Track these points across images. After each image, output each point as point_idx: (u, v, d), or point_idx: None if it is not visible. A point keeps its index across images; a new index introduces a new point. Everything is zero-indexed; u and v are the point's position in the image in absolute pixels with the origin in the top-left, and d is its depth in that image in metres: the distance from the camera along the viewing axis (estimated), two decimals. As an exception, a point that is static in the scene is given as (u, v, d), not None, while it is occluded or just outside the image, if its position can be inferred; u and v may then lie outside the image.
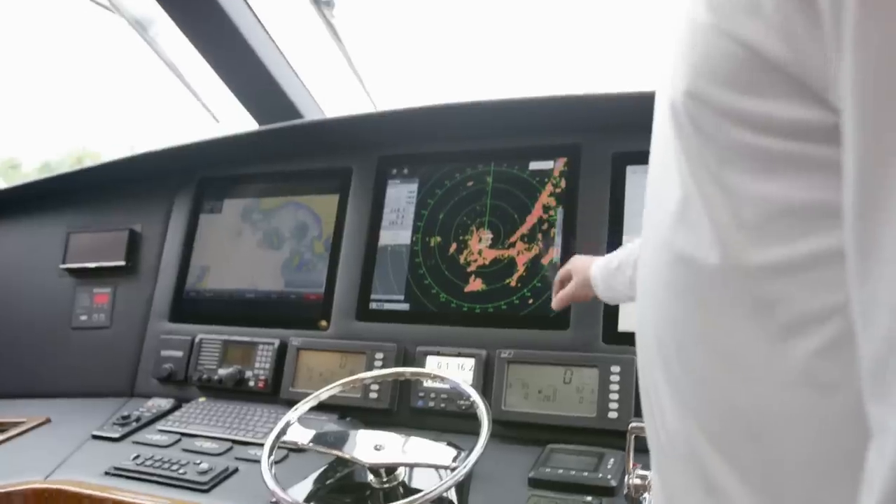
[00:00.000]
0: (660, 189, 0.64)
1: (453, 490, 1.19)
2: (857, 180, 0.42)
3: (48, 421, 1.77)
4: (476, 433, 1.15)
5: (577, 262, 1.32)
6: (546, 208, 1.62)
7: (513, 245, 1.63)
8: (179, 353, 1.85)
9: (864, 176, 0.41)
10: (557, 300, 1.34)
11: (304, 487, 1.29)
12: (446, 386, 1.52)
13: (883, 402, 0.42)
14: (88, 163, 2.16)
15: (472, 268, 1.66)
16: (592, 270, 1.25)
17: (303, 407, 1.29)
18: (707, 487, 0.58)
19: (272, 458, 1.18)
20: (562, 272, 1.35)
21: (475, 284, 1.64)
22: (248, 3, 1.81)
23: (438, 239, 1.71)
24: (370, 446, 1.21)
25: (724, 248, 0.53)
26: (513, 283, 1.60)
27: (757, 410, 0.54)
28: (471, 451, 1.12)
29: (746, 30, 0.47)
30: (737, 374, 0.55)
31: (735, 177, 0.52)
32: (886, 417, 0.42)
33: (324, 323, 1.76)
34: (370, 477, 1.22)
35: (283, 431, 1.24)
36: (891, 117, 0.39)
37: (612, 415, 1.37)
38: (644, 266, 0.67)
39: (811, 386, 0.50)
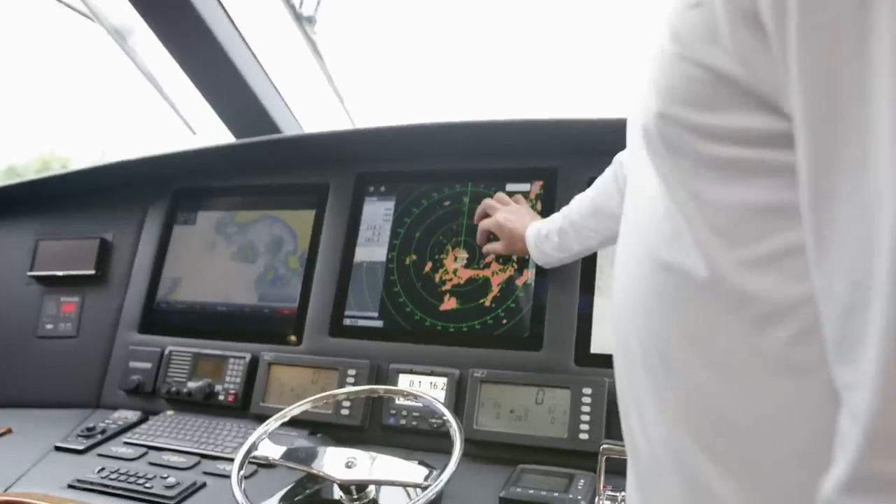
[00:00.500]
0: (638, 204, 0.68)
1: (424, 509, 1.19)
2: (809, 172, 0.48)
3: (9, 431, 1.73)
4: (447, 452, 1.15)
5: (508, 223, 1.50)
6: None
7: (488, 265, 1.65)
8: (148, 365, 1.82)
9: (815, 167, 0.47)
10: (486, 249, 1.58)
11: (273, 503, 1.28)
12: (419, 404, 1.52)
13: (845, 365, 0.47)
14: (56, 167, 2.14)
15: (447, 286, 1.67)
16: (528, 236, 1.43)
17: (275, 422, 1.28)
18: (692, 492, 0.61)
19: (242, 472, 1.17)
20: (488, 224, 1.54)
21: (450, 303, 1.65)
22: (229, 17, 1.81)
23: (414, 257, 1.72)
24: (342, 463, 1.20)
25: (704, 253, 0.58)
26: (487, 303, 1.61)
27: (741, 405, 0.57)
28: (443, 469, 1.12)
29: (707, 56, 0.54)
30: (720, 372, 0.59)
31: (706, 186, 0.58)
32: (850, 375, 0.47)
33: (293, 338, 1.75)
34: (340, 494, 1.22)
35: (254, 446, 1.23)
36: (831, 123, 0.45)
37: (583, 436, 1.38)
38: (624, 277, 0.70)
39: (789, 372, 0.55)
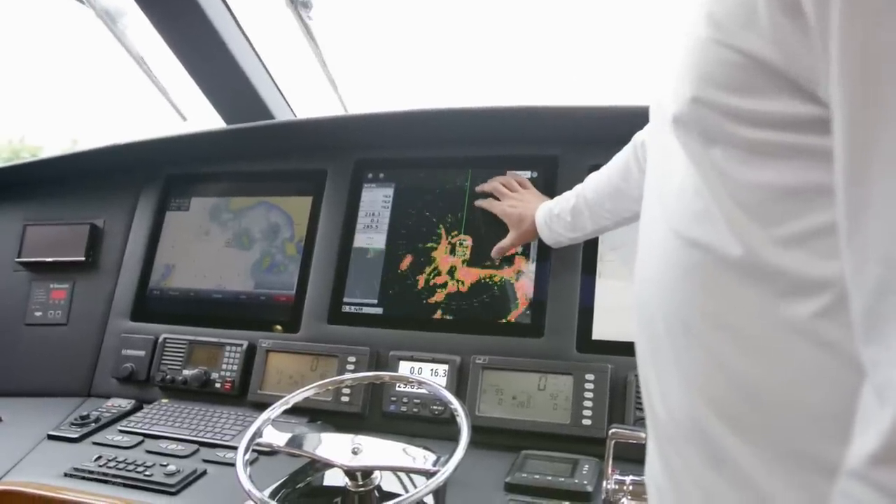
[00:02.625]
0: (664, 185, 0.71)
1: (431, 495, 1.19)
2: (846, 155, 0.48)
3: (-1, 420, 1.70)
4: (448, 439, 1.15)
5: (515, 210, 1.52)
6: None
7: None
8: (141, 353, 1.80)
9: (853, 150, 0.48)
10: (497, 250, 1.55)
11: (276, 490, 1.27)
12: (420, 391, 1.52)
13: (874, 343, 0.48)
14: (26, 156, 2.10)
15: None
16: (538, 216, 1.43)
17: (279, 408, 1.27)
18: (713, 460, 0.63)
19: (247, 457, 1.16)
20: (494, 208, 1.56)
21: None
22: (224, 0, 1.78)
23: (410, 254, 1.70)
24: (347, 449, 1.19)
25: (735, 231, 0.60)
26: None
27: (764, 374, 0.59)
28: (451, 456, 1.12)
29: (744, 40, 0.55)
30: (744, 343, 0.60)
31: (738, 168, 0.59)
32: (878, 355, 0.48)
33: (278, 327, 1.74)
34: (345, 480, 1.21)
35: (258, 432, 1.22)
36: (871, 107, 0.46)
37: (586, 422, 1.39)
38: (650, 254, 0.72)
39: (814, 344, 0.56)
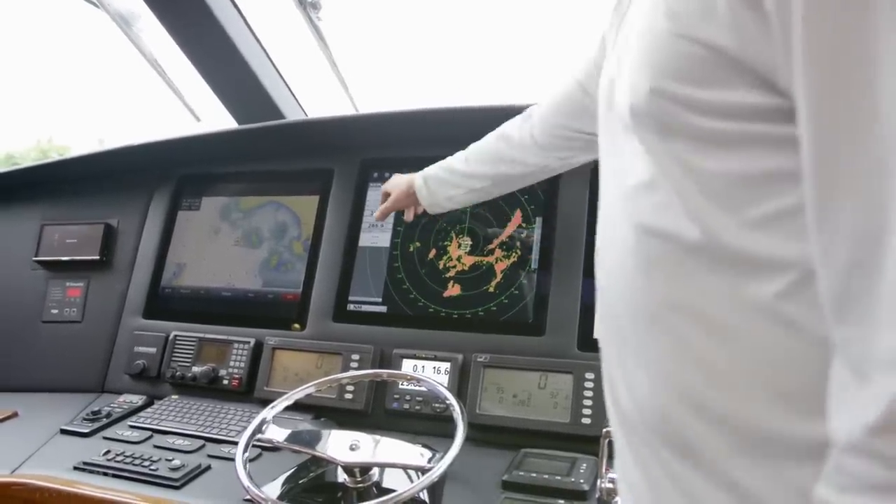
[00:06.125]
0: (621, 177, 0.70)
1: (426, 492, 1.20)
2: (813, 139, 0.49)
3: (15, 415, 1.74)
4: (451, 436, 1.16)
5: (395, 178, 1.47)
6: (525, 217, 1.64)
7: (491, 252, 1.65)
8: (153, 350, 1.83)
9: (820, 134, 0.49)
10: (380, 212, 1.49)
11: (277, 486, 1.29)
12: (422, 388, 1.53)
13: (845, 322, 0.49)
14: (54, 156, 2.14)
15: (451, 273, 1.66)
16: (416, 182, 1.39)
17: (279, 405, 1.29)
18: (682, 450, 0.63)
19: (246, 454, 1.18)
20: (384, 188, 1.50)
21: (453, 290, 1.65)
22: (234, 2, 1.80)
23: (418, 244, 1.71)
24: (345, 446, 1.21)
25: (697, 217, 0.60)
26: (491, 289, 1.61)
27: (729, 355, 0.60)
28: (445, 452, 1.13)
29: (702, 31, 0.56)
30: (709, 326, 0.60)
31: (699, 158, 0.60)
32: (850, 333, 0.49)
33: (297, 326, 1.76)
34: (344, 476, 1.23)
35: (258, 429, 1.24)
36: (837, 95, 0.47)
37: (586, 420, 1.39)
38: (610, 248, 0.72)
39: (777, 324, 0.57)
